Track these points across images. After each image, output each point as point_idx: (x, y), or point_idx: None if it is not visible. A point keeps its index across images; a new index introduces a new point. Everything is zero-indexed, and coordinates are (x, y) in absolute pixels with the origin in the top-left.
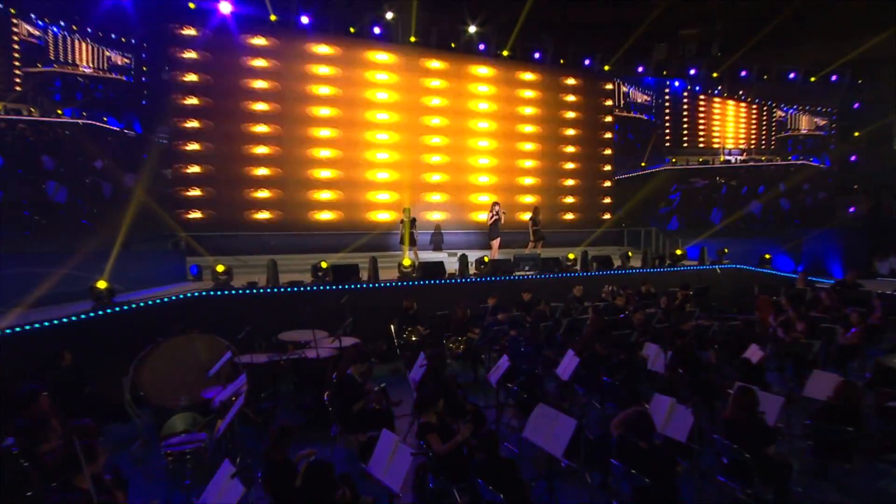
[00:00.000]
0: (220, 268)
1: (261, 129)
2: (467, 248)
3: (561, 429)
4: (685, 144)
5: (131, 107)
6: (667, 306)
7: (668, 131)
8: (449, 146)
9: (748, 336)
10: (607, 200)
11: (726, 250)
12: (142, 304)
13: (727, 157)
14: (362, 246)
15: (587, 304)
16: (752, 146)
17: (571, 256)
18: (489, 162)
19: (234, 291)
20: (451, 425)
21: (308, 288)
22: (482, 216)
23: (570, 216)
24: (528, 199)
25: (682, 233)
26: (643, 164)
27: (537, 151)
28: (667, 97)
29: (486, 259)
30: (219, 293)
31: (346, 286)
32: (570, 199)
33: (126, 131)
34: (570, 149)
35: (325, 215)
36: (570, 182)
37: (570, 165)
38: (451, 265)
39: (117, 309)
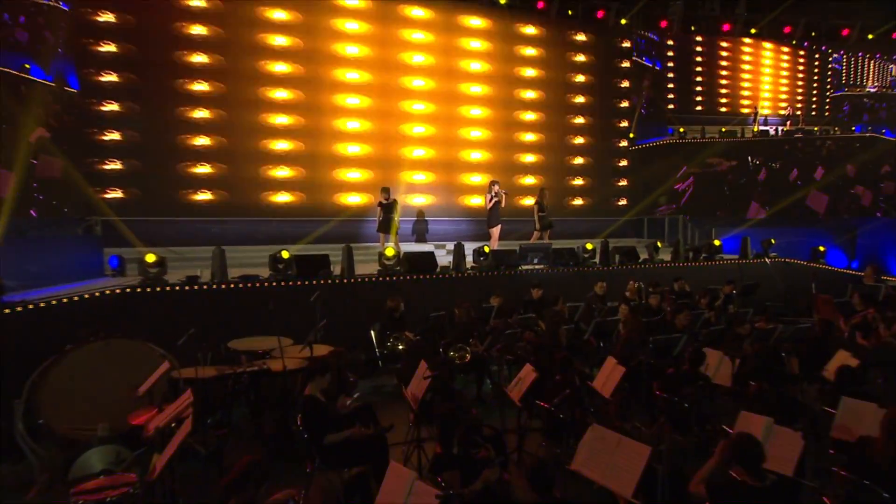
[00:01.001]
0: (150, 257)
1: (199, 87)
2: (457, 240)
3: (627, 458)
4: (698, 107)
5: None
6: (709, 306)
7: (671, 89)
8: (434, 115)
9: (828, 342)
10: (623, 183)
11: (773, 241)
12: (42, 305)
13: (763, 128)
14: (328, 235)
15: (614, 303)
16: (799, 111)
17: (590, 247)
18: (482, 135)
19: (169, 288)
20: (474, 457)
21: (266, 284)
22: (475, 200)
23: (578, 201)
24: (530, 180)
25: (715, 221)
26: (631, 136)
27: (540, 123)
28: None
29: (485, 249)
30: (149, 290)
31: (315, 281)
32: (579, 181)
33: None
34: (580, 120)
35: (282, 197)
36: (579, 160)
37: (579, 140)
38: (443, 258)
39: (6, 311)
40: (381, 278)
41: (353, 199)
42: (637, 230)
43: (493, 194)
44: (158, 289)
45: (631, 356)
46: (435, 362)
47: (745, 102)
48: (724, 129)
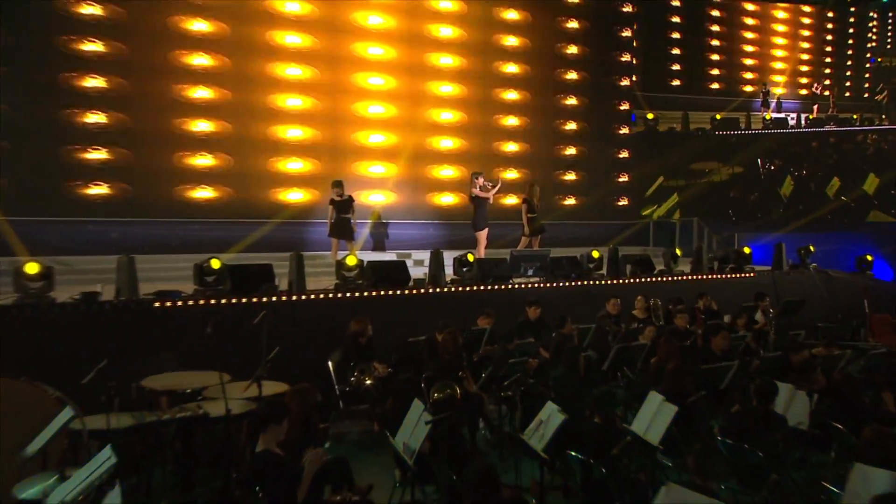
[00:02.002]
0: (31, 268)
1: (91, 47)
2: (424, 247)
3: None
4: (675, 82)
5: None
6: (747, 328)
7: (629, 60)
8: (395, 92)
9: None
10: (624, 179)
11: (812, 248)
12: None
13: (776, 115)
14: (265, 241)
15: (632, 326)
16: (827, 90)
17: (596, 255)
18: (454, 118)
19: (58, 308)
20: None
21: (192, 302)
22: (446, 199)
23: (570, 201)
24: (512, 174)
25: (738, 225)
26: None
27: (525, 104)
28: None
29: (469, 258)
30: (30, 310)
31: (257, 299)
32: (571, 177)
33: None
34: (573, 101)
35: (203, 193)
36: (571, 150)
37: (571, 126)
38: (414, 271)
39: None
40: (340, 295)
41: (294, 196)
42: (641, 235)
43: (478, 188)
44: (44, 309)
45: (681, 391)
46: (444, 400)
47: (748, 77)
48: (718, 117)
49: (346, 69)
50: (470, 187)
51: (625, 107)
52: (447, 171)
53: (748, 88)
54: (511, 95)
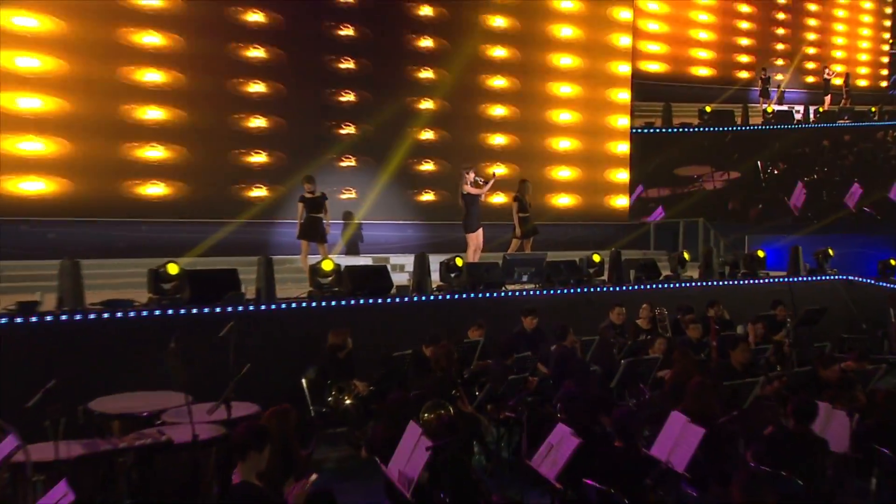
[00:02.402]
0: None
1: (25, 20)
2: (402, 252)
3: None
4: (654, 66)
5: None
6: (766, 340)
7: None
8: (368, 76)
9: None
10: (623, 175)
11: (831, 252)
12: None
13: (779, 107)
14: (225, 244)
15: (642, 337)
16: (839, 76)
17: (597, 259)
18: (434, 106)
19: None
20: None
21: (149, 313)
22: (425, 197)
23: (563, 200)
24: (499, 169)
25: (748, 226)
26: None
27: (510, 90)
28: None
29: (458, 263)
30: None
31: (222, 308)
32: (563, 173)
33: None
34: (565, 88)
35: (154, 189)
36: (564, 144)
37: (564, 116)
38: (397, 277)
39: None
40: (315, 304)
41: (257, 193)
42: (641, 238)
43: (469, 184)
44: None
45: (707, 411)
46: (445, 424)
47: (744, 60)
48: (708, 109)
49: (318, 51)
50: (459, 184)
51: (623, 95)
52: (426, 166)
53: (743, 74)
54: (498, 82)
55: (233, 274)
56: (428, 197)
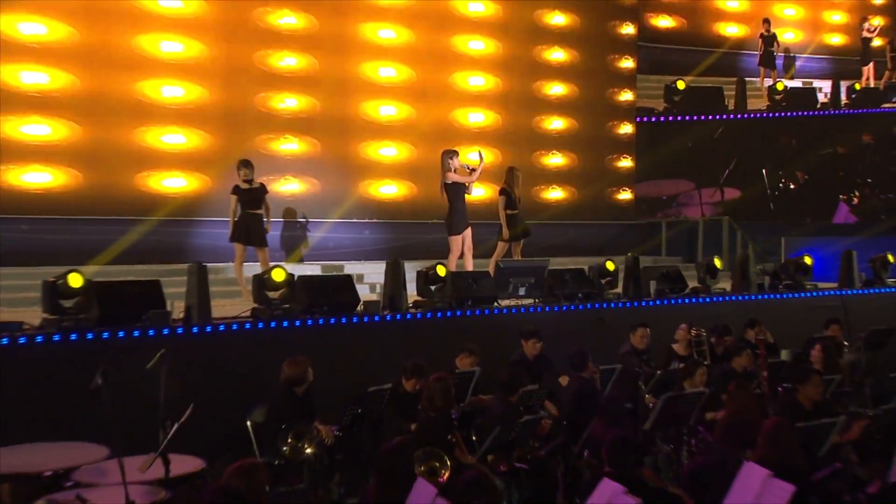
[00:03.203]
0: None
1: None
2: (358, 259)
3: None
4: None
5: None
6: (827, 368)
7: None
8: (315, 35)
9: None
10: (627, 163)
11: (891, 258)
12: None
13: (792, 84)
14: (137, 249)
15: (675, 365)
16: (881, 34)
17: (611, 267)
18: (399, 75)
19: None
20: None
21: (42, 338)
22: (386, 189)
23: (555, 193)
24: (474, 155)
25: (784, 227)
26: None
27: (495, 58)
28: None
29: (440, 272)
30: None
31: (143, 332)
32: (556, 160)
33: None
34: (558, 55)
35: (37, 176)
36: (557, 124)
37: (556, 90)
38: (361, 289)
39: None
40: (262, 325)
41: (174, 183)
42: (648, 240)
43: (453, 170)
44: None
45: (789, 461)
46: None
47: (733, 8)
48: (681, 86)
49: (247, 5)
50: (443, 172)
51: (627, 63)
52: (388, 150)
53: (733, 31)
54: (476, 45)
55: (154, 287)
56: (389, 189)
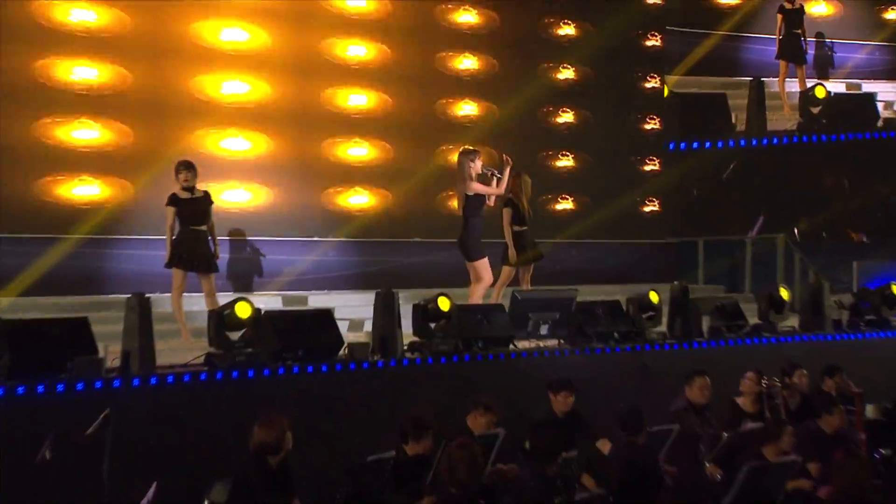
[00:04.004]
0: None
1: None
2: (323, 288)
3: None
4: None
5: None
6: None
7: None
8: (267, 8)
9: None
10: (652, 167)
11: None
12: None
13: (831, 87)
14: (51, 278)
15: (746, 424)
16: None
17: (655, 299)
18: (370, 54)
19: None
20: None
21: None
22: (356, 200)
23: (564, 205)
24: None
25: (853, 249)
26: None
27: (488, 35)
28: None
29: (442, 306)
30: None
31: (68, 385)
32: (565, 162)
33: None
34: (565, 30)
35: None
36: (566, 118)
37: (566, 75)
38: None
39: None
40: (222, 374)
41: (85, 191)
42: (679, 263)
43: (473, 177)
44: None
45: None
46: None
47: None
48: (820, 93)
49: None
50: (462, 179)
51: (653, 42)
52: (358, 150)
53: None
54: (465, 17)
55: (81, 328)
56: (359, 200)
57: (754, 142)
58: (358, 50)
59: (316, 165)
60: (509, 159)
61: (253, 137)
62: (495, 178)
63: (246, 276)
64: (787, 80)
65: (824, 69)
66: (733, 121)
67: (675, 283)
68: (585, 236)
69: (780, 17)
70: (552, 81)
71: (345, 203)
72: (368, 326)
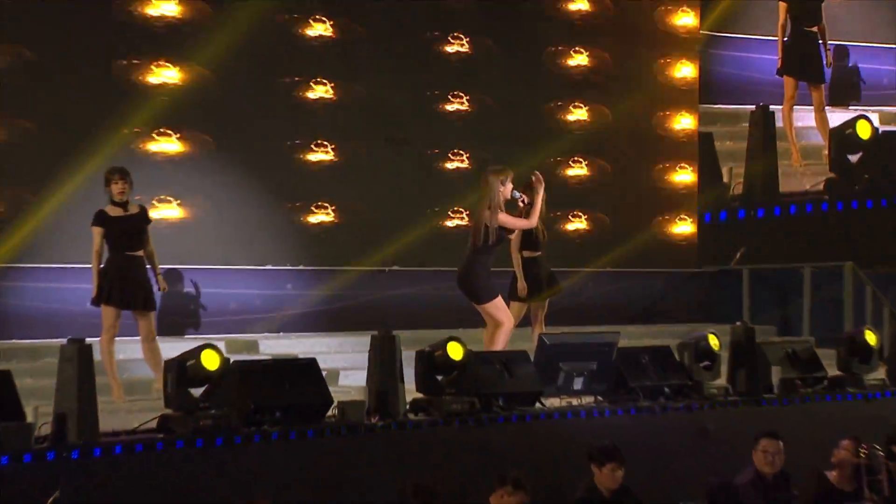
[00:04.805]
0: None
1: None
2: (278, 332)
3: None
4: None
5: None
6: None
7: None
8: None
9: None
10: (684, 176)
11: (871, 337)
12: None
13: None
14: None
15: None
16: None
17: (715, 344)
18: (325, 30)
19: None
20: None
21: None
22: (317, 219)
23: (577, 224)
24: (454, 165)
25: None
26: None
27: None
28: None
29: (453, 354)
30: None
31: None
32: (576, 170)
33: None
34: (580, 3)
35: None
36: (578, 115)
37: (577, 61)
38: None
39: None
40: (182, 443)
41: None
42: (698, 294)
43: (500, 203)
44: None
45: None
46: None
47: None
48: (864, 132)
49: None
50: (488, 206)
51: (688, 21)
52: (318, 156)
53: None
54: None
55: (2, 382)
56: (321, 219)
57: (759, 212)
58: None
59: (269, 169)
60: (540, 178)
61: (181, 135)
62: (521, 203)
63: (178, 315)
64: (797, 107)
65: (846, 92)
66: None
67: (738, 323)
68: (600, 261)
69: (782, 6)
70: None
71: (302, 219)
72: (345, 379)
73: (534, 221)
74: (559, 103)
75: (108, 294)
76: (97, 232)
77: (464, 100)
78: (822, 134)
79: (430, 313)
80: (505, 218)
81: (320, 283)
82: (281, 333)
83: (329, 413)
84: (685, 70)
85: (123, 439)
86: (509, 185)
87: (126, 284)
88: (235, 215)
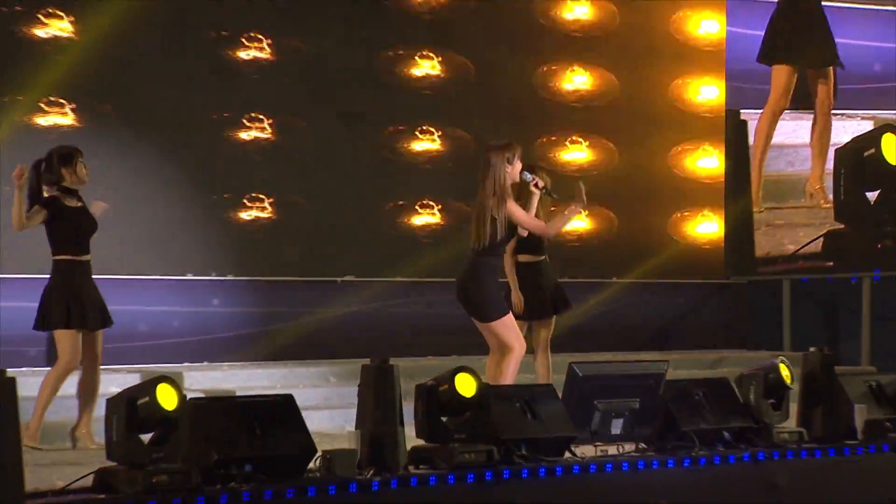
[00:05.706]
0: None
1: None
2: (201, 362)
3: None
4: None
5: None
6: None
7: None
8: None
9: None
10: (711, 161)
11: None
12: None
13: None
14: None
15: None
16: None
17: (787, 376)
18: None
19: None
20: None
21: None
22: (250, 213)
23: (576, 223)
24: (428, 144)
25: None
26: None
27: None
28: None
29: (464, 391)
30: None
31: None
32: (575, 153)
33: None
34: None
35: None
36: (576, 82)
37: (576, 14)
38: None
39: None
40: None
41: None
42: (725, 311)
43: (510, 184)
44: None
45: None
46: None
47: None
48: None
49: None
50: (491, 190)
51: None
52: (250, 134)
53: None
54: None
55: None
56: (255, 215)
57: None
58: None
59: (203, 156)
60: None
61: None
62: (534, 188)
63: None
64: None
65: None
66: None
67: (813, 349)
68: (606, 270)
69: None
70: None
71: (235, 216)
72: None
73: (552, 231)
74: (553, 67)
75: (69, 314)
76: (40, 216)
77: (434, 62)
78: (818, 154)
79: (399, 335)
80: (515, 208)
81: (255, 298)
82: (205, 363)
83: (311, 465)
84: (709, 26)
85: (51, 502)
86: (518, 164)
87: (86, 299)
88: (146, 210)
